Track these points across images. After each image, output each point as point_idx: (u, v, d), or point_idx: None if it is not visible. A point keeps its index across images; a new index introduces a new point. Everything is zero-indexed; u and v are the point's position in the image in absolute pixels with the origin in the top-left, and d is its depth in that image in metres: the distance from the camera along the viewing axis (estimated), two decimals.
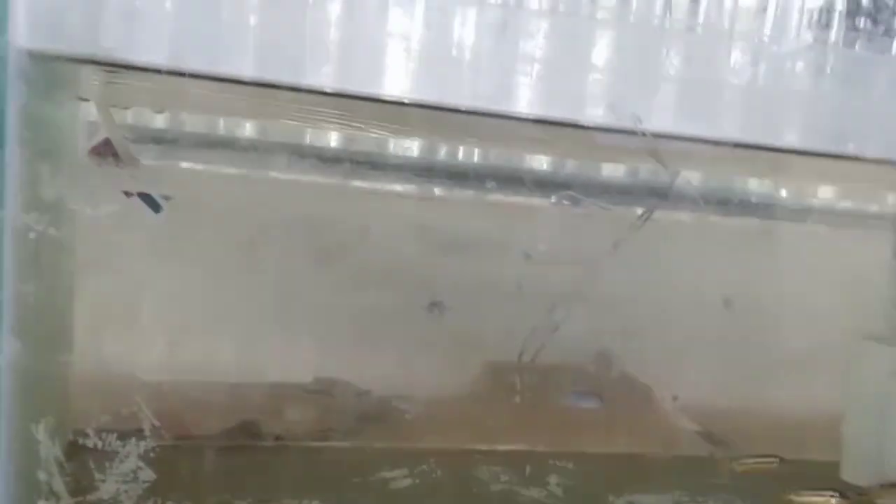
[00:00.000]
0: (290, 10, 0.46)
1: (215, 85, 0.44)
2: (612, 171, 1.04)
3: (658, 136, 0.68)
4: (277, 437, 0.64)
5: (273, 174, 0.84)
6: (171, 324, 0.67)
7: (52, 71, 0.37)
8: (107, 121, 0.43)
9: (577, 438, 0.84)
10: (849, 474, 0.83)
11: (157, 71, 0.38)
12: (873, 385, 0.88)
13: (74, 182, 0.42)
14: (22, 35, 0.34)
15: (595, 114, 0.59)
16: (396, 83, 0.59)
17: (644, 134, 0.58)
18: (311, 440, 0.66)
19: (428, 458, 0.70)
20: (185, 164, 0.69)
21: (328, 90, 0.56)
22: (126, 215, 0.53)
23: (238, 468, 0.61)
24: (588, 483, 0.76)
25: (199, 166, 0.78)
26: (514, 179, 1.01)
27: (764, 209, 1.03)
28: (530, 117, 0.64)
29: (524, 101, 0.65)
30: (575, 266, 0.93)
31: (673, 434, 0.85)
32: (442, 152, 1.02)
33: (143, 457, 0.42)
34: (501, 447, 0.80)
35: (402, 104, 0.60)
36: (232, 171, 0.83)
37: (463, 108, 0.62)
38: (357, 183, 0.96)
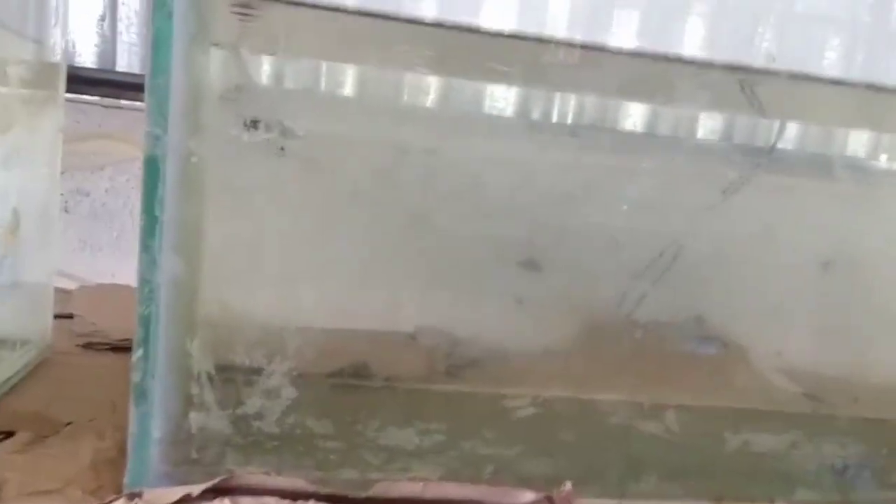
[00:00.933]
0: None
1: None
2: (713, 130, 1.01)
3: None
4: (387, 379, 0.66)
5: (378, 134, 0.86)
6: (285, 269, 0.70)
7: (199, 13, 0.39)
8: (239, 66, 0.45)
9: (678, 393, 0.84)
10: None
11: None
12: None
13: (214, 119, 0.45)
14: None
15: None
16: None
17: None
18: (416, 383, 0.68)
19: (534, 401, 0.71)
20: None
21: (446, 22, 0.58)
22: (250, 159, 0.56)
23: (353, 405, 0.63)
24: (703, 420, 0.76)
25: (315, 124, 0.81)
26: (620, 133, 0.99)
27: (863, 170, 1.00)
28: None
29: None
30: (674, 223, 0.92)
31: (773, 392, 0.85)
32: (539, 104, 1.00)
33: (286, 375, 0.44)
34: (601, 396, 0.81)
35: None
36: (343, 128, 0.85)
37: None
38: (456, 138, 0.96)
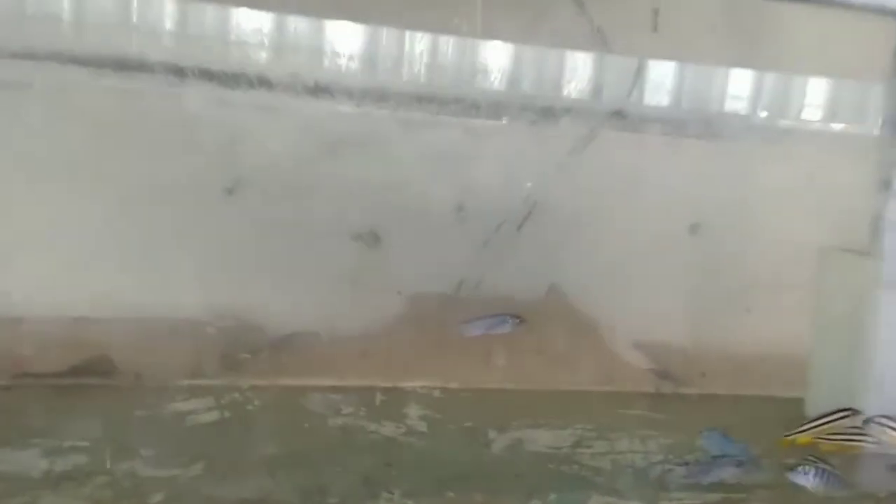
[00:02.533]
0: None
1: None
2: (572, 91, 0.94)
3: None
4: (137, 375, 0.55)
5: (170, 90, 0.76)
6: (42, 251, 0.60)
7: None
8: None
9: (514, 376, 0.76)
10: (813, 408, 0.75)
11: None
12: (843, 301, 0.80)
13: None
14: None
15: None
16: None
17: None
18: (176, 379, 0.58)
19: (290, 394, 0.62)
20: None
21: None
22: None
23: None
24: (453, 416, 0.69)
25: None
26: (468, 102, 0.91)
27: (736, 128, 0.93)
28: None
29: None
30: (523, 189, 0.83)
31: (618, 370, 0.77)
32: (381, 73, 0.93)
33: None
34: (407, 384, 0.72)
35: None
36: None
37: None
38: (288, 102, 0.86)
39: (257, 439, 0.65)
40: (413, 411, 0.74)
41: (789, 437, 0.77)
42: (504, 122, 0.91)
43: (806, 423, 0.76)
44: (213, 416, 0.66)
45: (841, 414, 0.76)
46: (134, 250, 0.75)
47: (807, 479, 0.64)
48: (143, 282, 0.72)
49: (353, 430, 0.69)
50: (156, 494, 0.46)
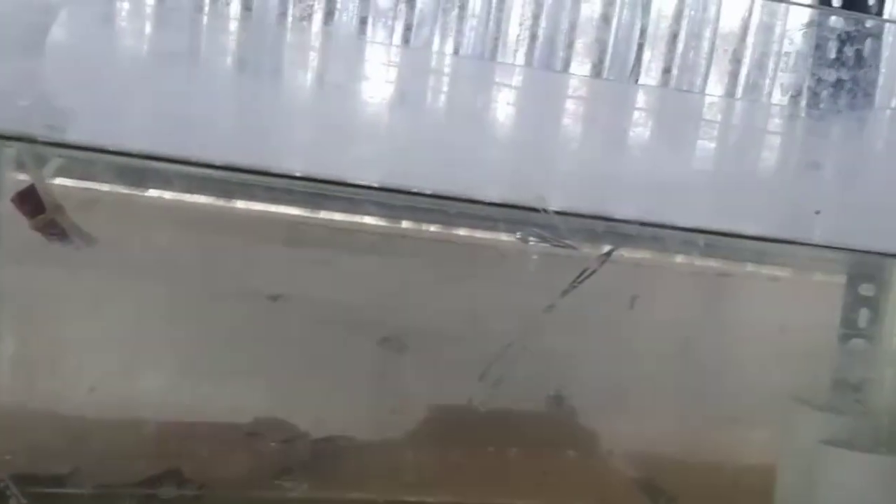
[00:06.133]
0: None
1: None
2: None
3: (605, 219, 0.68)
4: (201, 486, 0.63)
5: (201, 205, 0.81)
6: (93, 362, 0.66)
7: None
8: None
9: (510, 489, 0.83)
10: None
11: None
12: (803, 449, 0.87)
13: None
14: None
15: None
16: None
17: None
18: (237, 489, 0.64)
19: None
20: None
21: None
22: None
23: None
24: None
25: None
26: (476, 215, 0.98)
27: (721, 251, 1.02)
28: None
29: None
30: (531, 307, 0.92)
31: (611, 487, 0.84)
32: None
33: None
34: (430, 499, 0.79)
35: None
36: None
37: None
38: (314, 214, 0.94)
39: None
40: None
41: None
42: None
43: None
44: None
45: None
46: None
47: None
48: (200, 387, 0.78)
49: None
50: None
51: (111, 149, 0.42)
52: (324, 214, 0.93)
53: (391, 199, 0.89)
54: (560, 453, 0.84)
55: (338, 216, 0.90)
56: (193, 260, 0.79)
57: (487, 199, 0.59)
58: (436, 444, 0.80)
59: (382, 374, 0.87)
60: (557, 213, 0.59)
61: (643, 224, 0.60)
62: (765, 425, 0.89)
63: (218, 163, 0.46)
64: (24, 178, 0.50)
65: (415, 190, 0.52)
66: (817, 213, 0.59)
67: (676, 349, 0.90)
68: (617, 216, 0.63)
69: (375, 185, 0.54)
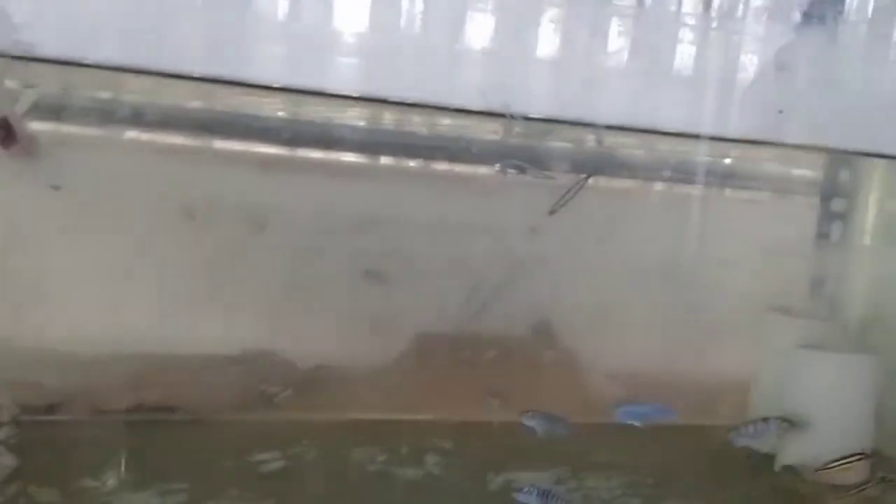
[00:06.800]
0: None
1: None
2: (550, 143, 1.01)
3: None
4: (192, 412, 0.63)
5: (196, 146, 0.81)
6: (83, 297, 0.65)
7: None
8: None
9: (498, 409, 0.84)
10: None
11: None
12: (779, 357, 0.90)
13: None
14: None
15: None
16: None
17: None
18: (227, 414, 0.65)
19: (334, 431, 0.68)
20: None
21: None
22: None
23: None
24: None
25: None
26: (459, 149, 0.98)
27: (698, 176, 1.03)
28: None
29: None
30: (514, 235, 0.92)
31: (595, 403, 0.86)
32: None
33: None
34: (418, 416, 0.79)
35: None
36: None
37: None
38: (299, 153, 0.92)
39: None
40: None
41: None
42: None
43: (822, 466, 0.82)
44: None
45: (856, 457, 0.83)
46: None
47: (530, 499, 0.68)
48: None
49: None
50: None
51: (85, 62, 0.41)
52: (301, 152, 0.92)
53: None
54: (541, 372, 0.86)
55: (316, 154, 0.89)
56: (175, 193, 0.78)
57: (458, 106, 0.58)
58: (420, 368, 0.81)
59: (367, 303, 0.88)
60: (526, 118, 0.59)
61: (618, 128, 0.59)
62: (744, 338, 0.91)
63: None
64: None
65: (393, 99, 0.52)
66: (780, 111, 0.60)
67: (659, 271, 0.92)
68: (586, 120, 0.63)
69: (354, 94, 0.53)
